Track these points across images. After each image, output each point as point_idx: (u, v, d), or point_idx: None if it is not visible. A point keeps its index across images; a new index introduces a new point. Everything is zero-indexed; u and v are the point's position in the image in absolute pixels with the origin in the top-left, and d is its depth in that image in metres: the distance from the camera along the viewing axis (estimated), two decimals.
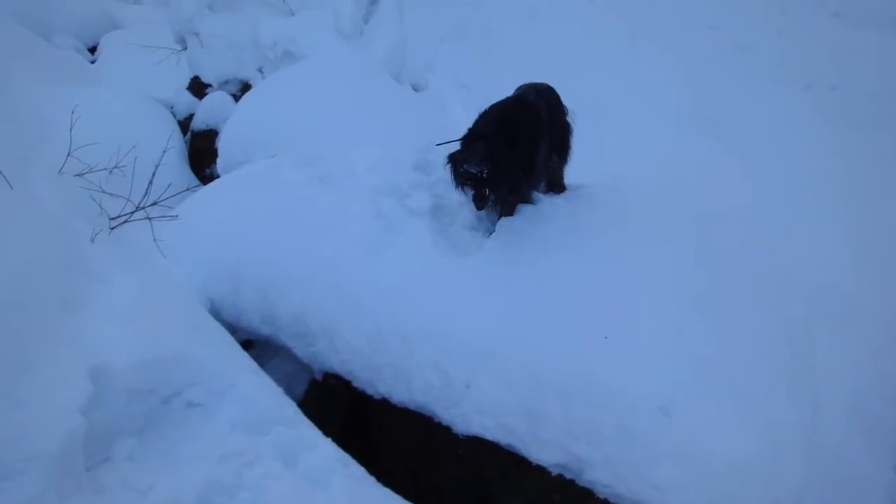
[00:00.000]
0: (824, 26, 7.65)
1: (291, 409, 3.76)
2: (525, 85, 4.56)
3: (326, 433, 3.71)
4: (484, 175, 3.85)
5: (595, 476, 3.50)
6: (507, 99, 4.38)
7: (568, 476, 3.60)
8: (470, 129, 4.10)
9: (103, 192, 4.92)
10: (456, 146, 4.07)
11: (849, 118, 6.71)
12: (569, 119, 4.57)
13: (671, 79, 7.19)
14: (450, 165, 4.01)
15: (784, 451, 3.54)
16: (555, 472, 3.62)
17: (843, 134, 6.55)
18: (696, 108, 6.91)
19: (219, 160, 6.18)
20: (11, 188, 3.98)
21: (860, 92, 6.94)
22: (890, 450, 4.45)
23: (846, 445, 4.37)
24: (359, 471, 3.58)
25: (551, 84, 4.60)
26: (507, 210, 4.32)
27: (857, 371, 4.69)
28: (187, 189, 5.97)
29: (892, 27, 7.46)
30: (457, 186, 4.03)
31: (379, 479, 3.62)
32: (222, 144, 6.21)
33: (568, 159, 4.60)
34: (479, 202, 3.94)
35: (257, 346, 4.75)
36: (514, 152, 3.94)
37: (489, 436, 3.73)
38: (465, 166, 3.88)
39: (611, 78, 7.20)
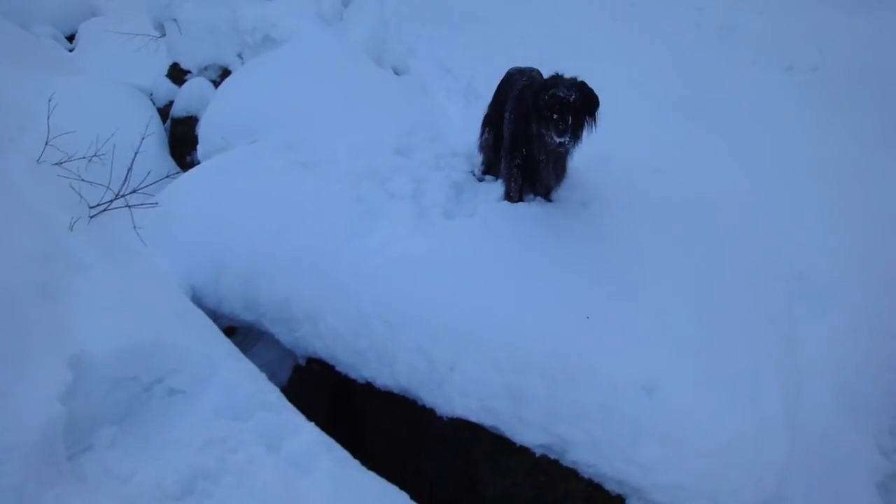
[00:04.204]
0: (807, 7, 7.62)
1: (274, 395, 3.75)
2: (513, 68, 4.57)
3: (311, 418, 3.71)
4: (573, 99, 3.73)
5: (579, 456, 3.53)
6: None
7: (552, 456, 3.63)
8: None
9: (82, 180, 4.86)
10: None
11: (829, 99, 6.69)
12: None
13: (653, 60, 7.15)
14: (529, 99, 3.90)
15: (767, 430, 3.57)
16: (539, 452, 3.64)
17: (824, 115, 6.54)
18: (680, 89, 6.87)
19: (199, 147, 6.13)
20: None
21: (840, 73, 6.92)
22: (873, 428, 4.48)
23: (829, 424, 4.39)
24: (343, 455, 3.58)
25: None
26: None
27: (840, 350, 4.69)
28: (167, 176, 5.90)
29: (872, 9, 7.46)
30: (540, 121, 3.82)
31: (364, 462, 3.63)
32: (202, 131, 6.15)
33: None
34: (562, 128, 3.74)
35: (240, 332, 4.74)
36: None
37: (473, 418, 3.74)
38: (552, 91, 3.74)
39: (592, 59, 7.15)
